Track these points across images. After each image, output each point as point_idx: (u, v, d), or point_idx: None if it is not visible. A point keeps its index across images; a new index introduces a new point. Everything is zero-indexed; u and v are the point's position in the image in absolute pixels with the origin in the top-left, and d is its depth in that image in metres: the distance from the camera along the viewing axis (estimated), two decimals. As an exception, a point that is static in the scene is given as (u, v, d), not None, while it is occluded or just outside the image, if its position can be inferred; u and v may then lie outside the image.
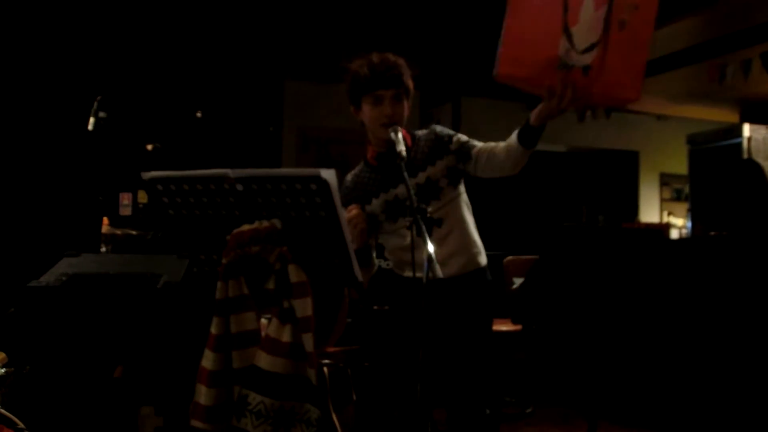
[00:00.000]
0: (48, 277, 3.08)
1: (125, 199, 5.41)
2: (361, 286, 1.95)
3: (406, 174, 2.22)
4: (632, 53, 2.27)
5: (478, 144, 2.51)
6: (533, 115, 2.25)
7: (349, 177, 2.65)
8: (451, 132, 2.58)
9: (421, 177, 2.51)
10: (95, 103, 4.13)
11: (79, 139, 4.44)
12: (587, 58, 2.19)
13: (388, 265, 2.74)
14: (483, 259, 2.64)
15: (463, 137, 2.55)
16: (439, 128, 2.60)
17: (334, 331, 2.07)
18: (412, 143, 2.56)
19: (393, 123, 2.42)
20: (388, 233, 2.58)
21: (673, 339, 4.19)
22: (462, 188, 2.61)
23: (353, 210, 2.36)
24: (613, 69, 2.23)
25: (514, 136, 2.34)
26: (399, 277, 2.64)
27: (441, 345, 2.50)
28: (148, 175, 1.89)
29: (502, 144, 2.42)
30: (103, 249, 3.98)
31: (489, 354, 2.62)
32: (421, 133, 2.61)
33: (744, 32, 5.98)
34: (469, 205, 2.63)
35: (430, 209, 2.45)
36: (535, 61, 2.15)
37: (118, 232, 4.08)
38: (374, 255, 2.62)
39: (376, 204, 2.55)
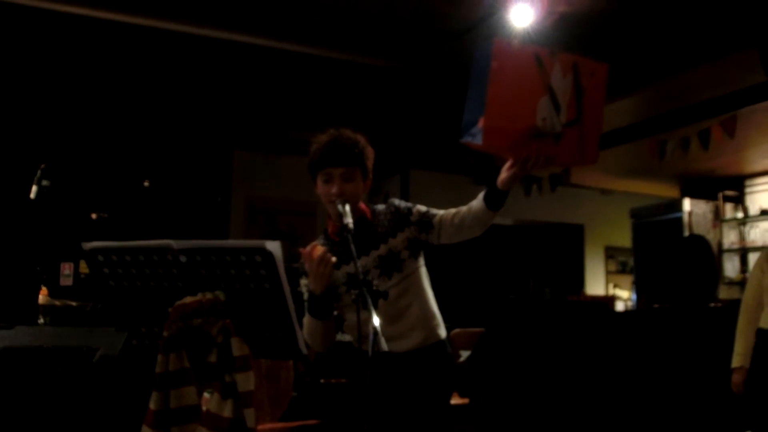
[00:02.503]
0: (-25, 352, 2.95)
1: (66, 269, 5.27)
2: (307, 359, 1.91)
3: (353, 246, 2.21)
4: (591, 119, 2.33)
5: (439, 212, 2.53)
6: (500, 180, 2.28)
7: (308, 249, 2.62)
8: (410, 204, 2.60)
9: (383, 249, 2.50)
10: (39, 171, 4.06)
11: (21, 208, 4.35)
12: (559, 126, 2.24)
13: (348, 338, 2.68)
14: (443, 332, 2.62)
15: (423, 207, 2.57)
16: (397, 201, 2.62)
17: (278, 405, 2.02)
18: (372, 217, 2.57)
19: (342, 200, 2.41)
20: (347, 305, 2.55)
21: (620, 410, 4.19)
22: (422, 260, 2.61)
23: (319, 249, 2.31)
24: (578, 135, 2.29)
25: (480, 200, 2.37)
26: (357, 350, 2.60)
27: (400, 419, 2.46)
28: (88, 245, 1.84)
29: (464, 208, 2.44)
30: (41, 320, 3.85)
31: (447, 429, 2.58)
32: (380, 207, 2.62)
33: (682, 111, 6.23)
34: (428, 278, 2.63)
35: (392, 282, 2.46)
36: (514, 131, 2.19)
37: (57, 303, 3.96)
38: (334, 312, 2.57)
39: (337, 275, 2.52)
